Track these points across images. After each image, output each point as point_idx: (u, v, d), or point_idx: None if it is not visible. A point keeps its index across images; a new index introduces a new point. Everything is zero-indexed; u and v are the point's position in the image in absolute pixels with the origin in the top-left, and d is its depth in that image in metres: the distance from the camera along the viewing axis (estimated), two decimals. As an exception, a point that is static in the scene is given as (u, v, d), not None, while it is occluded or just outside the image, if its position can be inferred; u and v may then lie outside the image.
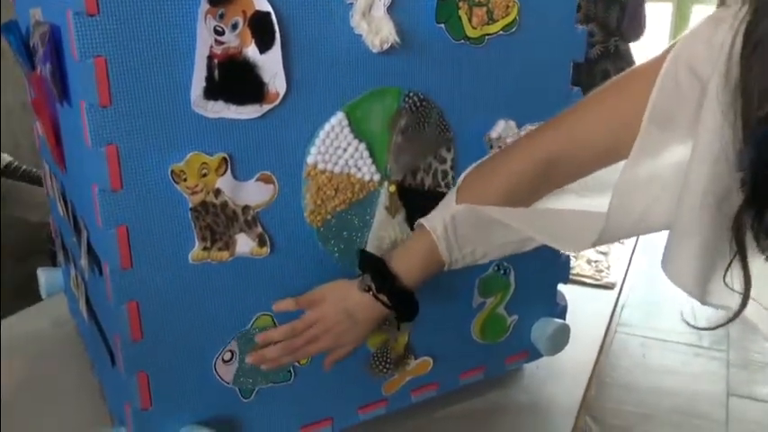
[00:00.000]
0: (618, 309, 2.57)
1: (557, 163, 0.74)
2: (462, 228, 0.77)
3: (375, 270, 0.79)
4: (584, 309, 1.26)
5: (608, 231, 0.71)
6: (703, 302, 0.65)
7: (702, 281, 0.65)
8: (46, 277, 1.21)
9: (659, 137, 0.66)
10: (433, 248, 0.77)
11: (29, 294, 1.29)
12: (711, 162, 0.61)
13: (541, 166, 0.74)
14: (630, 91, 0.69)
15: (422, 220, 0.79)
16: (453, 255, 0.78)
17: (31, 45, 0.84)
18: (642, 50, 3.28)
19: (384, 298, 0.78)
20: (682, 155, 0.65)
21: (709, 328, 0.69)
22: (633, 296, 2.82)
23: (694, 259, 0.64)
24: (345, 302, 0.79)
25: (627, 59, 2.99)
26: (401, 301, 0.79)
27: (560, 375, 1.10)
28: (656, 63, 0.65)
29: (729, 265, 0.62)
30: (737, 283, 0.63)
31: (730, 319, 0.64)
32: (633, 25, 2.90)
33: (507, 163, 0.77)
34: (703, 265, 0.64)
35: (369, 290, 0.78)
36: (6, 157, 2.21)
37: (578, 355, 1.13)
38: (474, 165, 0.82)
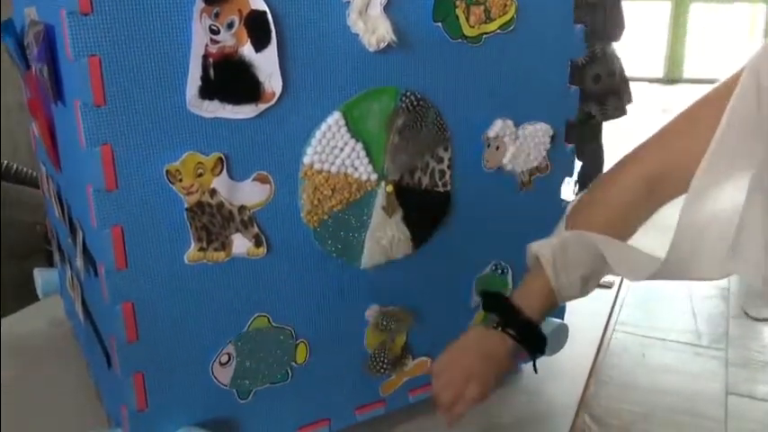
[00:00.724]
0: (617, 308, 2.57)
1: (658, 182, 0.75)
2: (571, 253, 0.78)
3: (498, 307, 0.81)
4: (582, 308, 1.26)
5: (661, 272, 0.72)
6: None
7: None
8: (42, 278, 1.21)
9: (731, 152, 0.67)
10: (545, 277, 0.78)
11: (27, 294, 1.29)
12: None
13: (643, 184, 0.75)
14: (720, 105, 0.69)
15: (532, 247, 0.81)
16: (560, 280, 0.78)
17: (25, 44, 0.83)
18: (636, 50, 3.28)
19: (512, 332, 0.79)
20: (741, 193, 0.66)
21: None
22: (632, 295, 2.81)
23: (760, 255, 0.66)
24: (479, 344, 0.80)
25: (614, 61, 3.00)
26: (527, 333, 0.80)
27: (559, 375, 1.09)
28: (740, 73, 0.67)
29: None
30: None
31: None
32: (614, 25, 2.91)
33: (609, 188, 0.79)
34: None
35: (497, 326, 0.79)
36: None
37: (577, 354, 1.12)
38: (583, 192, 0.83)
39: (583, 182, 3.08)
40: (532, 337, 0.80)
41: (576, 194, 0.85)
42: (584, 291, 0.81)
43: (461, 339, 0.82)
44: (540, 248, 0.79)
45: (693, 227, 0.70)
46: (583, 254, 0.77)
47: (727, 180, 0.68)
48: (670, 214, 0.75)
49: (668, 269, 0.72)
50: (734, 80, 0.67)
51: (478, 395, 0.79)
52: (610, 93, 2.95)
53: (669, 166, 0.73)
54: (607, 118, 3.01)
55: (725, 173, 0.68)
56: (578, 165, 3.31)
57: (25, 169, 2.17)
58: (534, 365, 0.84)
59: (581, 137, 3.12)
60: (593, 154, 3.35)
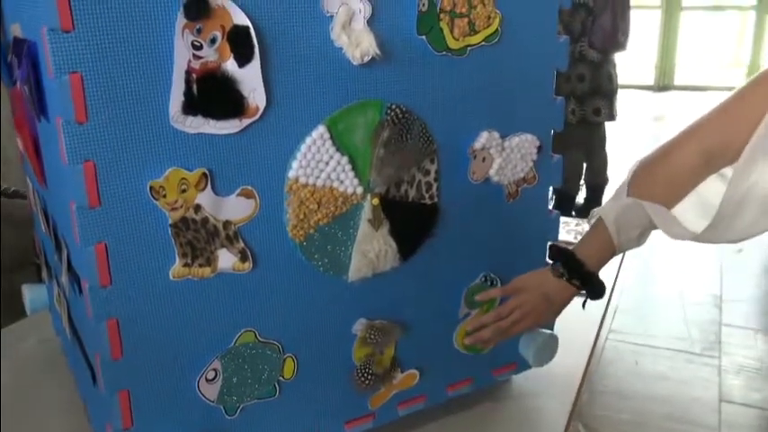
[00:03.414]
0: (609, 316, 2.56)
1: (714, 154, 0.81)
2: (629, 216, 0.88)
3: (565, 259, 0.92)
4: (574, 316, 1.25)
5: (701, 236, 0.82)
6: None
7: None
8: (30, 293, 1.20)
9: None
10: (607, 235, 0.89)
11: (16, 309, 1.28)
12: None
13: (701, 158, 0.82)
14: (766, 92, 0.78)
15: (596, 210, 0.91)
16: (621, 237, 0.89)
17: (9, 61, 0.83)
18: (627, 58, 3.33)
19: (577, 282, 0.92)
20: None
21: None
22: (625, 303, 2.81)
23: None
24: (543, 287, 0.93)
25: (598, 65, 3.11)
26: (591, 283, 0.92)
27: (551, 383, 1.09)
28: None
29: None
30: None
31: None
32: (607, 36, 3.03)
33: (669, 158, 0.86)
34: None
35: (562, 276, 0.91)
36: None
37: (569, 362, 1.12)
38: (640, 160, 0.90)
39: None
40: (593, 286, 0.92)
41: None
42: (639, 243, 0.91)
43: (536, 277, 0.95)
44: (604, 211, 0.90)
45: (735, 200, 0.78)
46: (639, 217, 0.87)
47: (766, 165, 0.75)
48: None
49: (709, 234, 0.82)
50: None
51: (524, 329, 0.96)
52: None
53: (723, 144, 0.80)
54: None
55: (764, 161, 0.76)
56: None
57: (13, 188, 2.17)
58: (584, 304, 0.96)
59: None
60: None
